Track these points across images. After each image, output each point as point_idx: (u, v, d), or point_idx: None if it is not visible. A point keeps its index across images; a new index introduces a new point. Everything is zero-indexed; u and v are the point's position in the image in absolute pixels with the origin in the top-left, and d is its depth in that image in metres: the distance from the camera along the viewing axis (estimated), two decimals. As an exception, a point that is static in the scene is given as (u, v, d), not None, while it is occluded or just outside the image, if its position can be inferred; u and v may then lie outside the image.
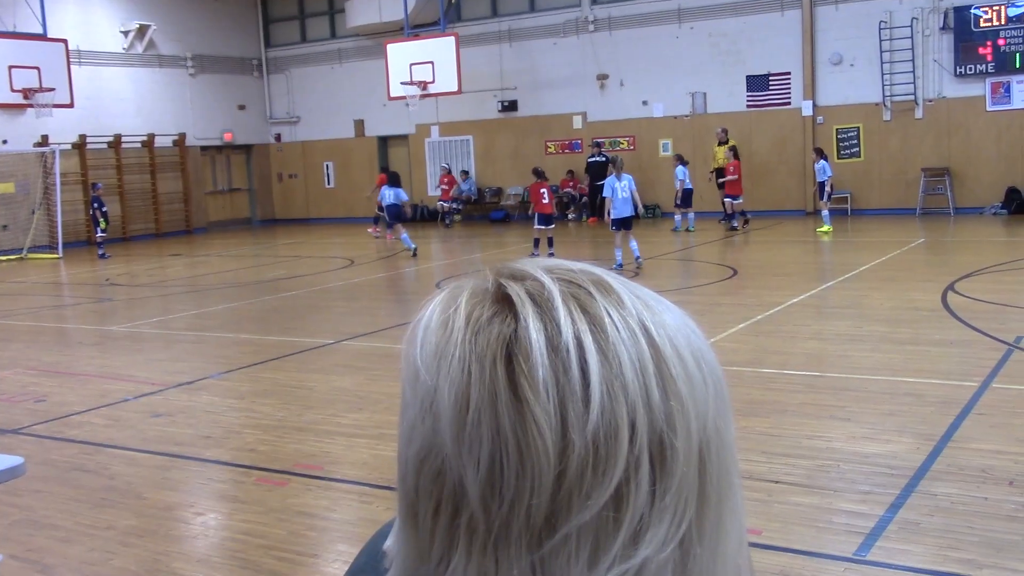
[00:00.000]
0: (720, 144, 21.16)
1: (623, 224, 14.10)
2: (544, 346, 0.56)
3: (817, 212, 18.24)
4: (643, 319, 0.58)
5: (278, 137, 29.32)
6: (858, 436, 5.92)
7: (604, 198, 14.57)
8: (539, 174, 15.99)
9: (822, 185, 17.89)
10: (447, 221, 24.74)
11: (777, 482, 5.19)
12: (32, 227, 22.29)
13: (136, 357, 9.70)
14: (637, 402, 0.55)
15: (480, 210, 26.03)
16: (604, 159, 23.44)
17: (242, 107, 28.52)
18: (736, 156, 19.72)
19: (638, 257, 14.29)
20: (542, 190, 15.63)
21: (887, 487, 4.98)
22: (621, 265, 14.02)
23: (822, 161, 18.12)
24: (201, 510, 5.41)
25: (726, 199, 19.59)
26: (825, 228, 17.79)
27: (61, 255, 21.27)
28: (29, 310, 13.71)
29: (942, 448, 5.53)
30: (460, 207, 25.93)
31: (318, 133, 28.52)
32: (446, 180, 25.27)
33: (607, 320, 0.57)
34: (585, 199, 23.96)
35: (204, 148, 27.54)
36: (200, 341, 10.57)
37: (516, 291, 0.59)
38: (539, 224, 15.66)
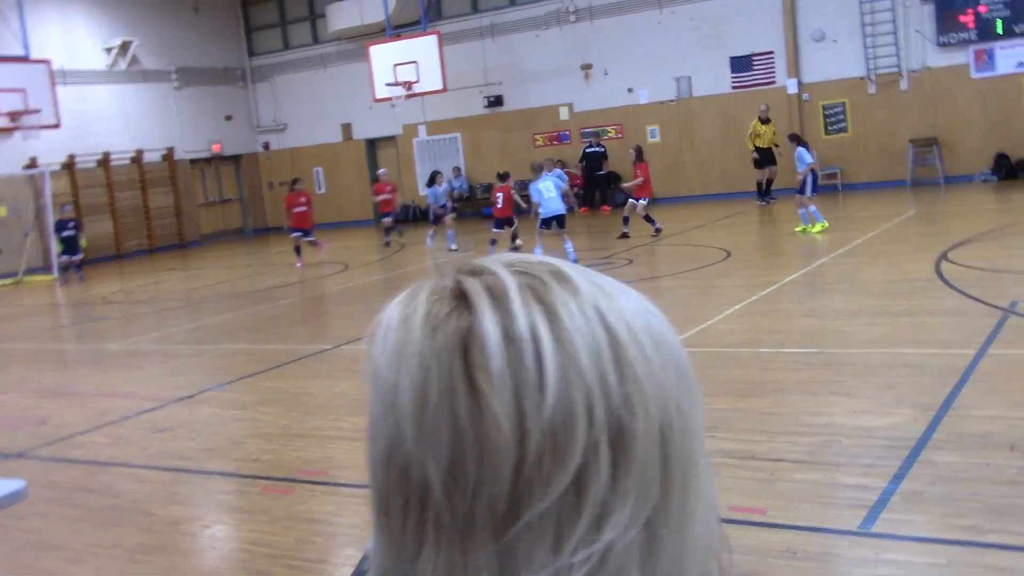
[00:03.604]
0: (764, 122, 20.51)
1: (553, 222, 13.95)
2: (499, 337, 0.57)
3: (801, 209, 14.97)
4: (599, 306, 0.59)
5: (266, 145, 29.29)
6: (858, 410, 5.94)
7: (532, 201, 14.44)
8: (500, 177, 16.26)
9: (804, 177, 15.06)
10: (387, 239, 20.56)
11: (780, 460, 5.21)
12: (26, 250, 22.26)
13: (135, 374, 9.71)
14: (594, 387, 0.56)
15: (473, 207, 26.02)
16: (602, 149, 23.50)
17: (229, 117, 28.49)
18: (641, 158, 17.21)
19: (573, 261, 13.90)
20: (497, 194, 15.78)
21: (889, 459, 5.00)
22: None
23: (800, 148, 15.43)
24: (208, 523, 5.42)
25: (631, 200, 17.10)
26: (817, 227, 14.72)
27: (57, 276, 21.25)
28: (27, 333, 13.70)
29: (942, 417, 5.55)
30: (454, 205, 25.93)
31: (306, 139, 28.50)
32: (387, 189, 20.65)
33: (562, 308, 0.58)
34: (578, 190, 23.97)
35: (193, 161, 27.51)
36: (198, 354, 10.58)
37: (473, 286, 0.60)
38: (494, 227, 15.85)
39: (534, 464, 0.55)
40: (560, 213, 14.05)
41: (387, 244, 20.41)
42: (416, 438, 0.57)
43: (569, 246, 13.80)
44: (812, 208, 14.88)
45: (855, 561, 4.10)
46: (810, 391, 6.50)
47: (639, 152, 17.43)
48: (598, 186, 23.62)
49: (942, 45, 20.48)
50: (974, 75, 20.36)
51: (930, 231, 14.62)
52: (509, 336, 0.57)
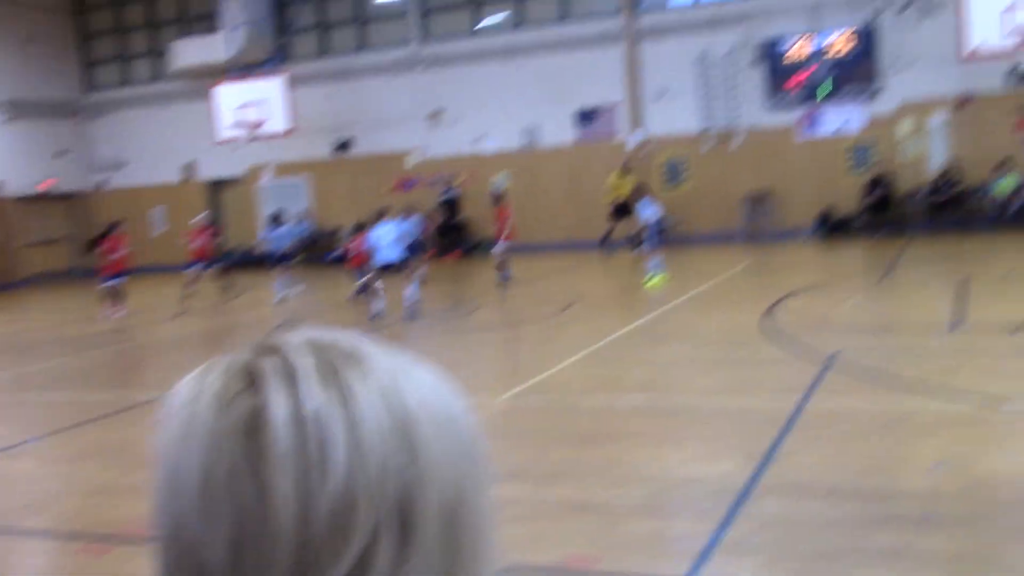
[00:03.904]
0: (623, 174, 20.92)
1: (387, 269, 13.75)
2: (287, 418, 0.57)
3: (649, 261, 15.17)
4: (391, 387, 0.60)
5: (102, 184, 28.17)
6: (689, 459, 6.12)
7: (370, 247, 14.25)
8: (356, 228, 16.02)
9: (651, 229, 15.33)
10: (187, 291, 17.69)
11: (614, 509, 5.30)
12: None
13: (-53, 424, 9.07)
14: (381, 468, 0.57)
15: (318, 251, 25.64)
16: (456, 194, 23.56)
17: (62, 153, 27.28)
18: (500, 201, 17.41)
19: (413, 302, 13.42)
20: (351, 244, 15.74)
21: (717, 506, 5.16)
22: (379, 315, 13.49)
23: (643, 201, 15.65)
24: (20, 586, 5.08)
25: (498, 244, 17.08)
26: (658, 279, 14.95)
27: None
28: None
29: (766, 465, 5.78)
30: (295, 250, 25.51)
31: (145, 178, 27.57)
32: (205, 233, 18.83)
33: (354, 389, 0.59)
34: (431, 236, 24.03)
35: (22, 198, 26.16)
36: (19, 404, 9.99)
37: (266, 365, 0.60)
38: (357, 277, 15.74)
39: (317, 546, 0.55)
40: (391, 262, 13.73)
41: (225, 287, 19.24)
42: (199, 520, 0.57)
43: (408, 293, 13.52)
44: (655, 261, 15.27)
45: (683, 609, 4.19)
46: (645, 440, 6.66)
47: (497, 195, 17.84)
48: (453, 232, 23.71)
49: (772, 106, 21.65)
50: (800, 136, 21.59)
51: (760, 283, 15.31)
52: (297, 417, 0.57)
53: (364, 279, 15.68)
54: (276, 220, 18.08)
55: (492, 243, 21.87)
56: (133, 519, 5.87)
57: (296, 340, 0.62)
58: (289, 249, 17.75)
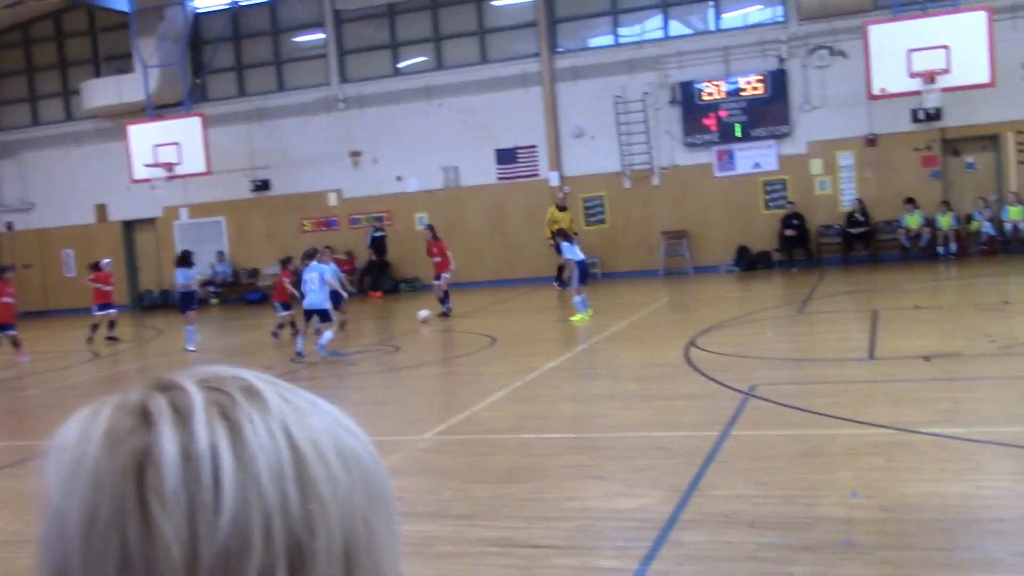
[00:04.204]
0: (561, 209, 20.96)
1: (313, 316, 13.59)
2: (177, 457, 0.56)
3: (576, 298, 15.37)
4: (287, 423, 0.59)
5: (9, 225, 27.38)
6: (613, 493, 6.11)
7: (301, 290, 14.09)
8: (281, 263, 16.41)
9: (576, 268, 15.63)
10: (95, 334, 18.20)
11: (538, 546, 5.25)
12: None
13: None
14: (273, 507, 0.55)
15: (236, 292, 25.29)
16: (384, 234, 23.42)
17: (-33, 195, 26.49)
18: (436, 236, 18.16)
19: (327, 342, 13.27)
20: (284, 279, 15.74)
21: (640, 540, 5.15)
22: (301, 354, 13.43)
23: (564, 243, 16.08)
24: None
25: (438, 281, 17.66)
26: (583, 316, 15.12)
27: None
28: None
29: (688, 498, 5.80)
30: (214, 290, 25.14)
31: (56, 220, 26.89)
32: (111, 277, 19.03)
33: (247, 426, 0.57)
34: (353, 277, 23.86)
35: (-76, 240, 25.28)
36: (-82, 453, 9.54)
37: (159, 403, 0.59)
38: (280, 311, 15.66)
39: None
40: (319, 308, 13.50)
41: (111, 339, 18.37)
42: (83, 563, 0.55)
43: (323, 341, 13.23)
44: (578, 298, 15.36)
45: (608, 645, 4.16)
46: (569, 476, 6.64)
47: (433, 230, 18.26)
48: (380, 271, 23.48)
49: (688, 145, 22.10)
50: (717, 174, 22.06)
51: (680, 318, 15.50)
52: (188, 456, 0.56)
53: (284, 316, 15.49)
54: (185, 261, 16.38)
55: (415, 281, 21.81)
56: None
57: (191, 378, 0.61)
58: (199, 292, 16.79)
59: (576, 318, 15.18)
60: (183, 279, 15.96)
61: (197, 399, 0.58)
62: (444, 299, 17.45)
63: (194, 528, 0.54)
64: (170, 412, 0.57)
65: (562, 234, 16.84)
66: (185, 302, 15.86)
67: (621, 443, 7.42)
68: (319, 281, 13.53)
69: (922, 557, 4.64)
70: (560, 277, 20.63)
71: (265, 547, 0.54)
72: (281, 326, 15.63)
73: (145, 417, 0.58)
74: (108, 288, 18.43)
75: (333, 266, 15.09)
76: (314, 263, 13.81)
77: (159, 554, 0.53)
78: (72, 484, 0.57)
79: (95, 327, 18.05)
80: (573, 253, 15.81)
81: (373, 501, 0.61)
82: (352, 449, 0.61)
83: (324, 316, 13.49)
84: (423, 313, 16.62)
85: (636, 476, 6.46)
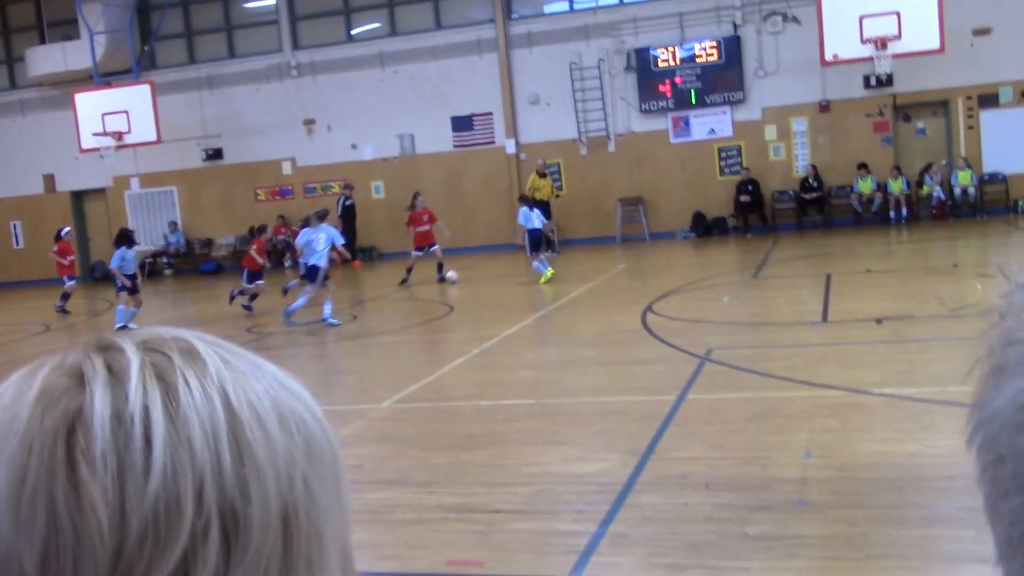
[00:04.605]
0: (541, 176, 20.90)
1: (315, 274, 13.34)
2: (108, 418, 0.54)
3: (535, 263, 15.85)
4: (224, 385, 0.58)
5: (-45, 197, 26.78)
6: (571, 458, 6.16)
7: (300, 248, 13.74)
8: (257, 230, 15.93)
9: (529, 235, 16.06)
10: (60, 306, 17.77)
11: (497, 511, 5.28)
12: None
13: None
14: (205, 470, 0.54)
15: (190, 263, 24.99)
16: (352, 202, 22.64)
17: (-91, 166, 25.84)
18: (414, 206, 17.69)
19: (297, 309, 13.19)
20: (252, 247, 15.40)
21: (599, 504, 5.19)
22: (328, 320, 13.03)
23: (523, 208, 16.27)
24: None
25: (419, 252, 17.41)
26: (544, 278, 15.55)
27: None
28: None
29: (646, 461, 5.86)
30: (171, 260, 24.82)
31: (2, 190, 26.32)
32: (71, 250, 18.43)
33: (182, 387, 0.56)
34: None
35: None
36: None
37: (93, 364, 0.57)
38: (248, 282, 15.31)
39: (134, 552, 0.52)
40: (316, 268, 13.25)
41: (62, 311, 17.62)
42: (11, 526, 0.53)
43: (295, 305, 13.23)
44: (536, 263, 15.78)
45: (568, 607, 4.20)
46: (528, 441, 6.68)
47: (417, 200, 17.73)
48: (351, 239, 23.00)
49: (644, 112, 22.11)
50: (673, 140, 22.11)
51: (637, 285, 15.58)
52: (119, 417, 0.54)
53: (254, 287, 15.19)
54: (126, 240, 14.70)
55: (371, 251, 21.66)
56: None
57: (131, 339, 0.60)
58: (135, 275, 14.72)
59: (543, 280, 15.47)
60: (116, 263, 14.26)
61: (134, 360, 0.57)
62: (441, 268, 17.27)
63: (122, 491, 0.53)
64: (104, 373, 0.56)
65: (523, 199, 17.04)
66: (121, 284, 14.41)
67: (580, 408, 7.47)
68: (326, 243, 13.27)
69: (874, 515, 4.73)
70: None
71: (196, 511, 0.53)
72: (254, 296, 15.32)
73: (80, 378, 0.57)
74: (66, 262, 17.75)
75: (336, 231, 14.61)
76: (324, 224, 13.49)
77: (86, 517, 0.52)
78: (2, 445, 0.55)
79: (66, 296, 17.62)
80: (528, 221, 15.95)
81: (316, 466, 0.59)
82: (295, 412, 0.60)
83: (313, 277, 13.25)
84: (452, 274, 16.58)
85: (594, 440, 6.51)
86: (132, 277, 14.45)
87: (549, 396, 8.06)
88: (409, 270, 17.38)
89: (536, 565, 4.58)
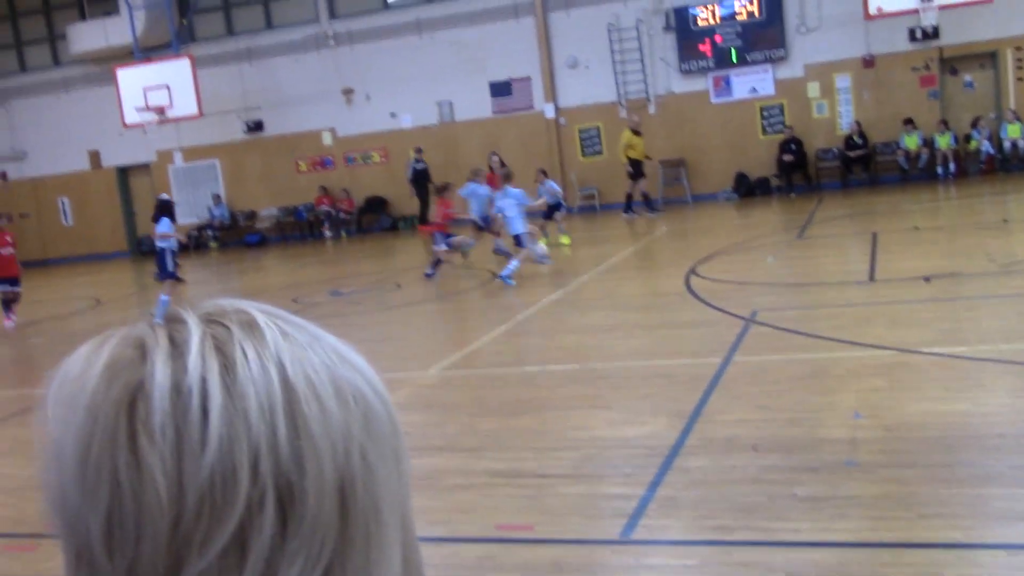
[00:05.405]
0: (636, 134, 19.91)
1: (519, 239, 13.06)
2: (168, 390, 0.56)
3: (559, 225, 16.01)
4: (281, 357, 0.58)
5: (3, 175, 27.22)
6: (618, 421, 6.17)
7: (496, 214, 13.50)
8: (439, 189, 14.80)
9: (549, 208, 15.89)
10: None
11: (545, 476, 5.32)
12: None
13: None
14: (261, 442, 0.55)
15: (235, 235, 25.25)
16: (424, 165, 21.89)
17: (-42, 145, 26.30)
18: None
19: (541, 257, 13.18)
20: (443, 207, 14.44)
21: (646, 467, 5.21)
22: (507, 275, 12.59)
23: (548, 182, 15.99)
24: (-63, 591, 4.91)
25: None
26: (563, 239, 15.80)
27: None
28: None
29: (693, 424, 5.86)
30: (216, 233, 25.10)
31: (49, 168, 26.71)
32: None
33: (240, 360, 0.57)
34: (342, 215, 23.79)
35: (-82, 193, 25.15)
36: (-73, 404, 9.61)
37: (157, 336, 0.59)
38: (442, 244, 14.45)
39: (192, 521, 0.54)
40: (518, 232, 13.04)
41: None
42: (78, 493, 0.56)
43: (510, 269, 12.63)
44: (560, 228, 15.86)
45: (617, 568, 4.24)
46: (573, 406, 6.70)
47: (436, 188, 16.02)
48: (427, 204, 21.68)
49: (684, 72, 21.85)
50: (714, 100, 21.84)
51: (680, 247, 15.49)
52: (178, 387, 0.56)
53: (447, 252, 14.39)
54: (164, 210, 13.12)
55: (413, 219, 21.61)
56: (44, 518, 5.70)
57: (195, 311, 0.61)
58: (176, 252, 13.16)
59: (563, 242, 15.42)
60: (162, 234, 12.87)
61: (195, 332, 0.58)
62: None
63: (180, 462, 0.54)
64: (167, 345, 0.58)
65: (543, 173, 16.43)
66: (164, 263, 12.91)
67: (625, 372, 7.47)
68: (517, 206, 13.05)
69: (924, 474, 4.70)
70: (630, 205, 19.87)
71: (252, 483, 0.54)
72: (439, 262, 14.23)
73: (144, 350, 0.58)
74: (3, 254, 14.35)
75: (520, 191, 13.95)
76: (509, 187, 13.27)
77: (146, 487, 0.54)
78: (70, 415, 0.57)
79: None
80: (542, 194, 15.41)
81: (374, 438, 0.60)
82: (353, 384, 0.61)
83: (519, 240, 13.07)
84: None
85: (640, 404, 6.52)
86: (172, 260, 12.95)
87: (594, 361, 8.07)
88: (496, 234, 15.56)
89: (585, 528, 4.61)
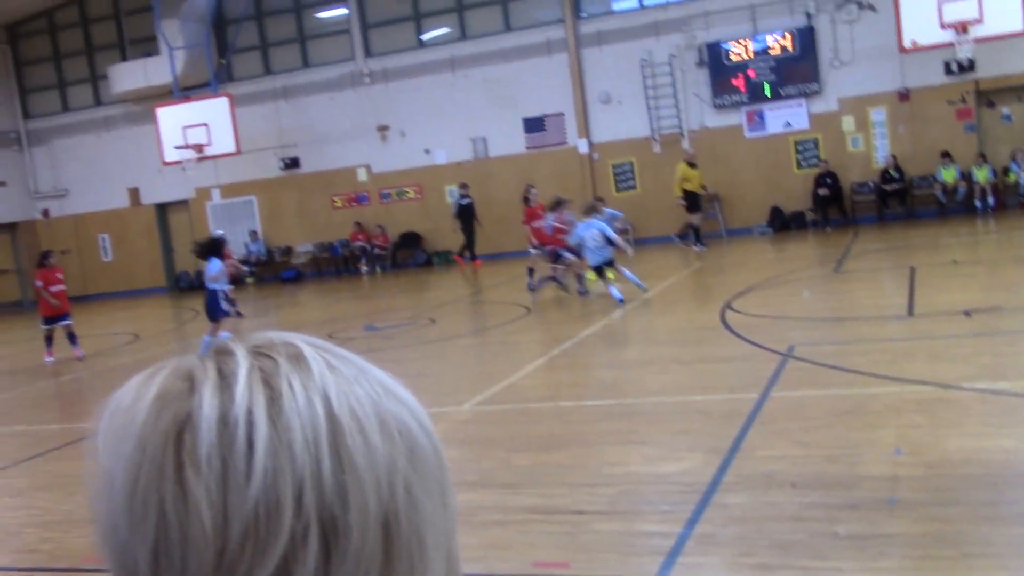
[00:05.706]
0: (691, 166, 19.81)
1: (599, 270, 13.29)
2: (214, 421, 0.57)
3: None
4: (327, 390, 0.59)
5: (45, 212, 27.71)
6: (654, 458, 6.13)
7: (578, 243, 13.49)
8: (556, 204, 14.78)
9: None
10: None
11: (581, 512, 5.28)
12: None
13: None
14: (305, 475, 0.56)
15: (271, 271, 25.48)
16: (470, 200, 22.09)
17: (2, 183, 26.80)
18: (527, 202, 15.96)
19: (620, 299, 12.84)
20: (556, 224, 14.49)
21: (684, 504, 5.16)
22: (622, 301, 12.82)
23: (606, 210, 15.12)
24: (-23, 625, 4.95)
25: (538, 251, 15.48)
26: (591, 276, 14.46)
27: None
28: None
29: (731, 460, 5.80)
30: (253, 269, 25.35)
31: (90, 205, 27.17)
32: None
33: (286, 392, 0.58)
34: (377, 251, 23.95)
35: (-38, 230, 25.65)
36: (-31, 439, 9.74)
37: (205, 367, 0.60)
38: (553, 261, 14.62)
39: (236, 553, 0.54)
40: (600, 263, 13.21)
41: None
42: (127, 524, 0.57)
43: (617, 294, 12.88)
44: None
45: (655, 607, 4.18)
46: (609, 441, 6.66)
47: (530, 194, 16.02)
48: (473, 239, 22.11)
49: (718, 107, 21.86)
50: (747, 134, 21.82)
51: (715, 282, 15.42)
52: (224, 421, 0.57)
53: (558, 269, 14.54)
54: (213, 249, 12.28)
55: (447, 254, 21.69)
56: (95, 549, 5.74)
57: (244, 343, 0.62)
58: (229, 293, 12.66)
59: (591, 277, 14.39)
60: (214, 273, 12.06)
61: (243, 364, 0.59)
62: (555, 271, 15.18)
63: (225, 493, 0.55)
64: (215, 377, 0.58)
65: (592, 209, 14.75)
66: (215, 304, 12.19)
67: (660, 408, 7.42)
68: (602, 238, 13.11)
69: (968, 512, 4.62)
70: (699, 237, 19.72)
71: (296, 515, 0.55)
72: (552, 278, 14.30)
73: (193, 382, 0.59)
74: (54, 291, 14.49)
75: (611, 215, 14.14)
76: (594, 219, 13.22)
77: (192, 517, 0.55)
78: (120, 446, 0.58)
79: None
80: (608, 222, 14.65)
81: (419, 472, 0.61)
82: (399, 418, 0.61)
83: (602, 272, 13.21)
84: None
85: (677, 440, 6.47)
86: (226, 299, 12.42)
87: (629, 396, 8.03)
88: (531, 271, 15.54)
89: (622, 566, 4.57)
